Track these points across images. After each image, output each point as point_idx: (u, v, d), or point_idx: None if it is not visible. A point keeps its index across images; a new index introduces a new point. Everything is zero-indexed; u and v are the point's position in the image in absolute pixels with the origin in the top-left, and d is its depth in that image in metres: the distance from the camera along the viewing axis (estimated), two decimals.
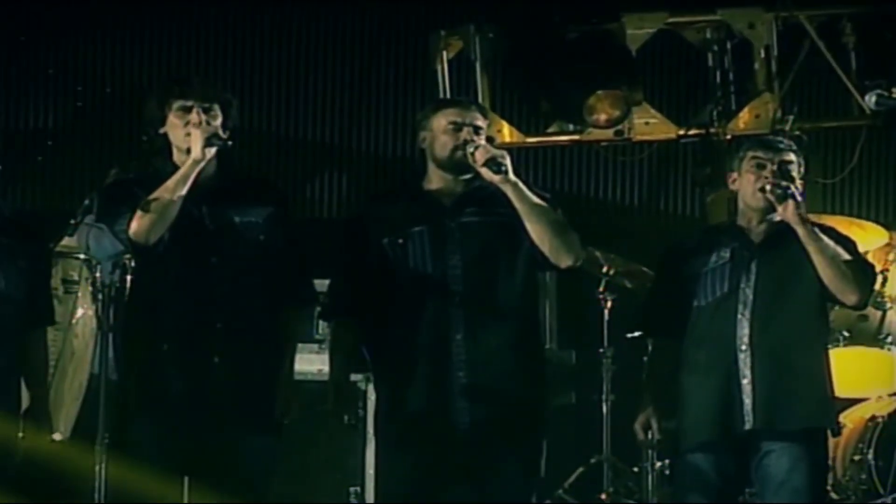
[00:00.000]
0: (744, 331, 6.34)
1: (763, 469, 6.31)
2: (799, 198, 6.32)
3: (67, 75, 9.28)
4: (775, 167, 6.36)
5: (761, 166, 6.37)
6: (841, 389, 8.01)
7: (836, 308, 7.90)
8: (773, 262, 6.42)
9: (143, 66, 9.16)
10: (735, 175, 6.45)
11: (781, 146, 6.50)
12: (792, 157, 6.43)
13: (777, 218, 6.36)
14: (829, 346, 7.86)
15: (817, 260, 6.33)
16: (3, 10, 9.14)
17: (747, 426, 6.29)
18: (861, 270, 6.49)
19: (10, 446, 6.29)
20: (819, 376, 6.50)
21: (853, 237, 8.27)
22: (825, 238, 6.41)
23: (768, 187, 6.32)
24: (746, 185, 6.40)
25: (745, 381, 6.32)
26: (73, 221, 6.94)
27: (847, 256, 6.46)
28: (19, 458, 6.34)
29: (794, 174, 6.39)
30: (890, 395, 8.14)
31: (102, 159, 7.03)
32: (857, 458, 7.92)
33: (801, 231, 6.31)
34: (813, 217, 8.19)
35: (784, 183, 6.32)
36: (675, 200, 9.40)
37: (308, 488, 7.59)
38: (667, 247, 6.95)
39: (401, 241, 6.38)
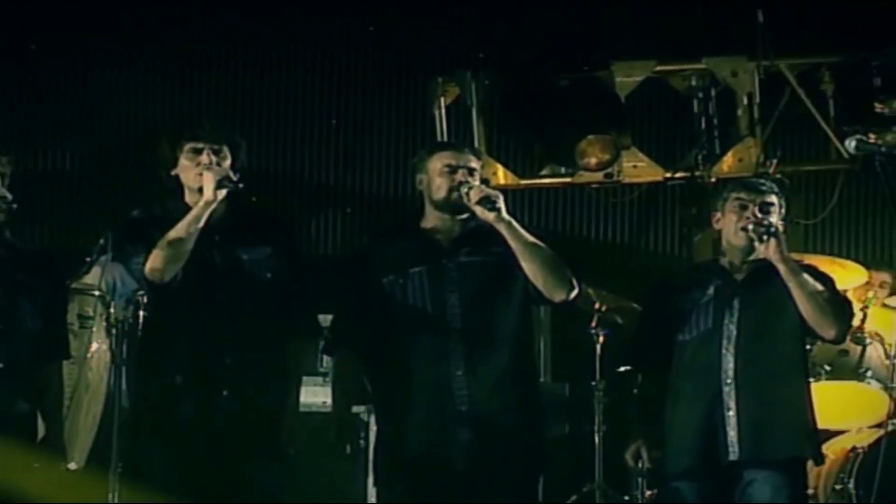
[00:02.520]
0: (728, 364, 6.34)
1: (746, 497, 6.31)
2: (780, 236, 6.34)
3: (82, 119, 9.28)
4: (757, 208, 6.38)
5: (744, 207, 6.39)
6: (823, 421, 7.98)
7: (818, 343, 7.86)
8: (756, 298, 6.42)
9: (155, 110, 9.14)
10: (719, 215, 6.47)
11: (763, 188, 6.51)
12: (773, 198, 6.45)
13: (759, 256, 6.37)
14: (812, 379, 7.84)
15: (797, 296, 6.34)
16: (23, 54, 9.19)
17: (732, 457, 6.29)
18: (839, 306, 6.51)
19: (24, 474, 6.24)
20: (801, 408, 6.51)
21: (833, 275, 8.32)
22: (805, 275, 6.42)
23: (750, 227, 6.33)
24: (729, 224, 6.42)
25: (730, 413, 6.32)
26: (88, 259, 7.00)
27: (826, 293, 6.47)
28: (37, 486, 6.30)
29: (775, 215, 6.40)
30: (870, 427, 8.15)
31: (116, 200, 7.04)
32: (838, 487, 7.93)
33: (782, 268, 6.33)
34: (794, 256, 8.26)
35: (766, 222, 6.34)
36: (663, 240, 9.39)
37: None
38: (653, 284, 6.98)
39: (401, 280, 6.36)
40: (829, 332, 6.47)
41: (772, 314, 6.41)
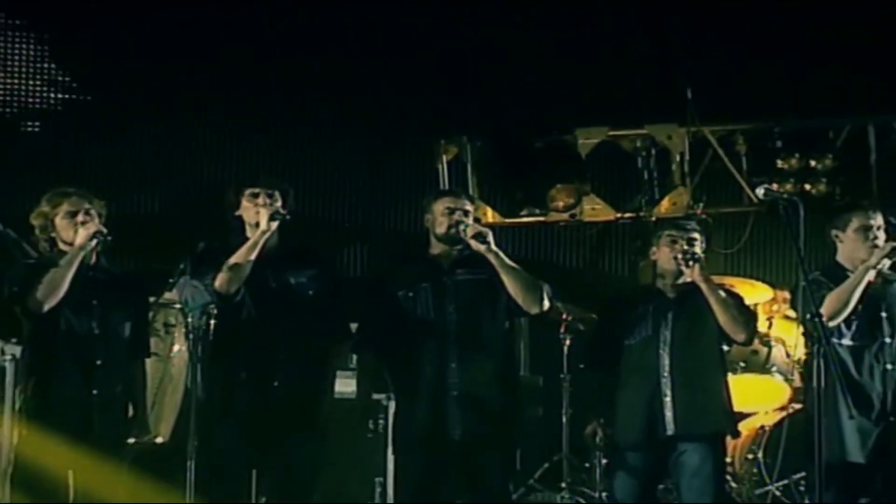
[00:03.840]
0: (664, 362, 6.31)
1: (680, 464, 6.28)
2: (701, 263, 6.34)
3: (163, 169, 9.17)
4: (684, 242, 6.36)
5: (674, 241, 6.37)
6: (738, 405, 7.92)
7: (734, 345, 8.06)
8: (684, 311, 6.38)
9: (221, 163, 9.08)
10: (655, 249, 6.45)
11: (688, 227, 6.50)
12: (696, 234, 6.42)
13: (686, 279, 6.37)
14: (730, 373, 7.82)
15: (716, 308, 6.32)
16: (115, 115, 9.10)
17: (669, 432, 6.26)
18: (747, 316, 6.50)
19: (121, 447, 6.29)
20: (721, 395, 6.48)
21: (745, 293, 8.31)
22: (721, 292, 6.42)
23: (679, 256, 6.32)
24: (664, 255, 6.39)
25: (667, 399, 6.28)
26: (171, 280, 6.91)
27: (736, 306, 6.46)
28: (130, 457, 6.34)
29: (698, 246, 6.38)
30: (775, 410, 8.07)
31: (190, 233, 7.02)
32: (750, 456, 7.84)
33: (703, 287, 6.32)
34: (715, 277, 8.23)
35: (690, 252, 6.32)
36: (615, 266, 9.22)
37: (344, 479, 7.53)
38: (607, 300, 6.97)
39: (411, 294, 6.36)
40: (740, 336, 6.45)
41: (697, 323, 6.37)
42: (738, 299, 6.58)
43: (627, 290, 7.04)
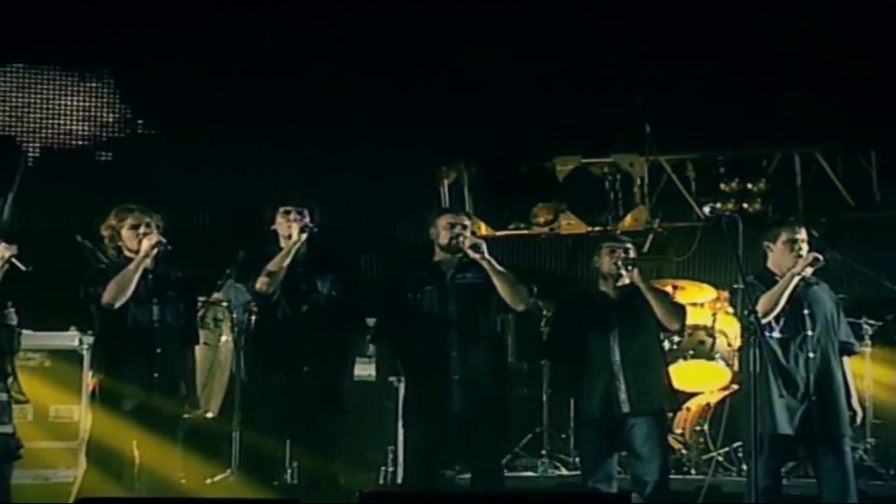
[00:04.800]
0: (616, 351, 6.32)
1: (632, 434, 6.30)
2: (639, 267, 6.38)
3: (211, 188, 9.13)
4: (622, 251, 6.40)
5: (613, 251, 6.41)
6: (688, 386, 8.06)
7: (687, 336, 7.96)
8: (627, 308, 6.38)
9: (260, 182, 9.03)
10: (597, 258, 6.47)
11: (624, 239, 6.56)
12: (629, 246, 6.45)
13: (625, 281, 6.39)
14: (681, 359, 8.02)
15: (653, 305, 6.35)
16: (170, 140, 9.08)
17: (624, 410, 6.28)
18: (678, 310, 6.53)
19: (178, 421, 6.25)
20: (662, 378, 6.52)
21: (693, 292, 8.36)
22: (655, 291, 6.47)
23: (619, 262, 6.36)
24: (605, 262, 6.42)
25: (620, 384, 6.29)
26: (219, 283, 6.99)
27: (668, 302, 6.53)
28: (185, 429, 6.32)
29: (633, 254, 6.43)
30: (718, 390, 8.03)
31: (233, 243, 7.00)
32: (698, 428, 7.84)
33: (642, 287, 6.37)
34: (669, 281, 8.32)
35: (629, 259, 6.37)
36: (586, 271, 9.20)
37: (362, 447, 7.49)
38: (561, 301, 6.91)
39: (419, 295, 6.36)
40: (675, 326, 6.50)
41: (639, 317, 6.37)
42: (669, 297, 6.61)
43: (574, 294, 6.93)
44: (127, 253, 6.20)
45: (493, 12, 9.02)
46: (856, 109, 8.79)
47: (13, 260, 5.81)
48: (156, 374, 6.12)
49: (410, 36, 9.12)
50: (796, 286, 6.21)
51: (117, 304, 6.07)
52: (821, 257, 6.23)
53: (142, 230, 6.18)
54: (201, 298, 7.01)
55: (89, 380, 6.36)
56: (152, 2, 8.97)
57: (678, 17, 8.98)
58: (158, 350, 6.15)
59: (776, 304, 6.14)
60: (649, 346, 6.46)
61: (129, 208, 6.26)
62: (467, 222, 6.50)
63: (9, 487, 5.87)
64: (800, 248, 6.27)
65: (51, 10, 8.75)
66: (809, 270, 6.25)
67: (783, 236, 6.31)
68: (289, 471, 7.05)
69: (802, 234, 6.32)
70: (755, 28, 8.96)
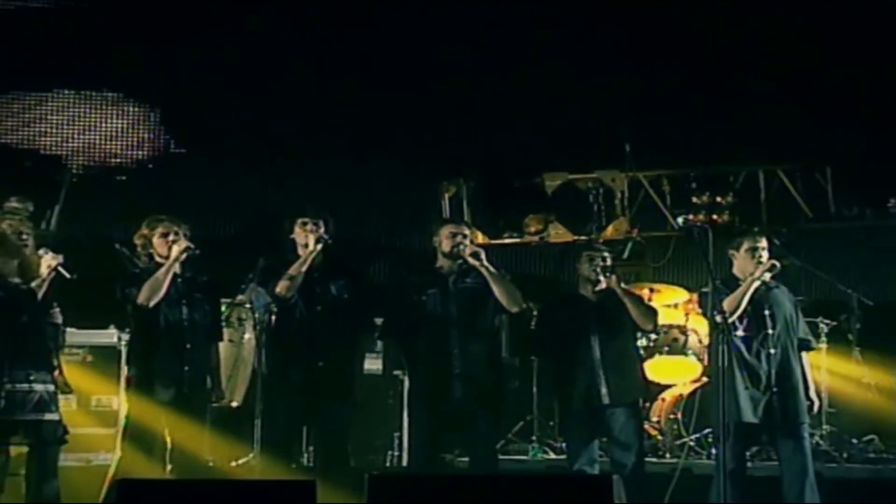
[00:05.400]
0: (596, 349, 6.34)
1: (611, 423, 6.33)
2: (616, 273, 6.41)
3: (234, 201, 9.06)
4: (600, 259, 6.42)
5: (591, 259, 6.43)
6: (663, 379, 8.01)
7: (662, 334, 7.93)
8: (605, 309, 6.39)
9: (278, 196, 8.89)
10: (577, 265, 6.49)
11: (603, 249, 6.55)
12: (607, 255, 6.46)
13: (603, 286, 6.42)
14: (657, 355, 7.98)
15: (629, 307, 6.38)
16: (199, 160, 9.06)
17: (605, 401, 6.30)
18: (650, 311, 6.56)
19: (205, 410, 6.28)
20: (637, 372, 6.55)
21: (668, 295, 8.32)
22: (630, 295, 6.51)
23: (598, 269, 6.38)
24: (584, 269, 6.43)
25: (600, 377, 6.30)
26: (242, 287, 6.88)
27: (642, 304, 6.57)
28: (212, 417, 6.36)
29: (610, 262, 6.43)
30: (690, 382, 8.01)
31: (254, 250, 6.96)
32: (672, 416, 7.82)
33: (618, 291, 6.39)
34: (646, 284, 8.29)
35: (607, 266, 6.39)
36: (573, 276, 9.38)
37: (370, 433, 7.49)
38: (545, 304, 6.84)
39: (423, 297, 6.34)
40: (648, 326, 6.53)
41: (615, 318, 6.38)
42: (641, 300, 6.64)
43: (557, 297, 6.85)
44: (158, 259, 6.21)
45: (493, 43, 9.02)
46: (813, 130, 8.79)
47: (59, 268, 5.83)
48: (185, 368, 6.12)
49: (415, 66, 9.10)
50: (757, 289, 6.23)
51: (150, 305, 6.08)
52: (777, 264, 6.25)
53: (171, 238, 6.18)
54: (226, 300, 6.98)
55: (125, 373, 6.37)
56: (179, 31, 8.97)
57: (658, 47, 8.98)
58: (188, 346, 6.15)
59: (739, 305, 6.16)
60: (625, 344, 6.49)
61: (160, 218, 6.27)
62: (467, 232, 6.49)
63: (57, 468, 5.88)
64: (760, 256, 6.28)
65: (95, 40, 8.79)
66: (768, 275, 6.26)
67: (745, 245, 6.32)
68: (305, 454, 7.04)
69: (763, 243, 6.33)
70: (725, 59, 8.94)
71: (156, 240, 6.23)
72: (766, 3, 8.87)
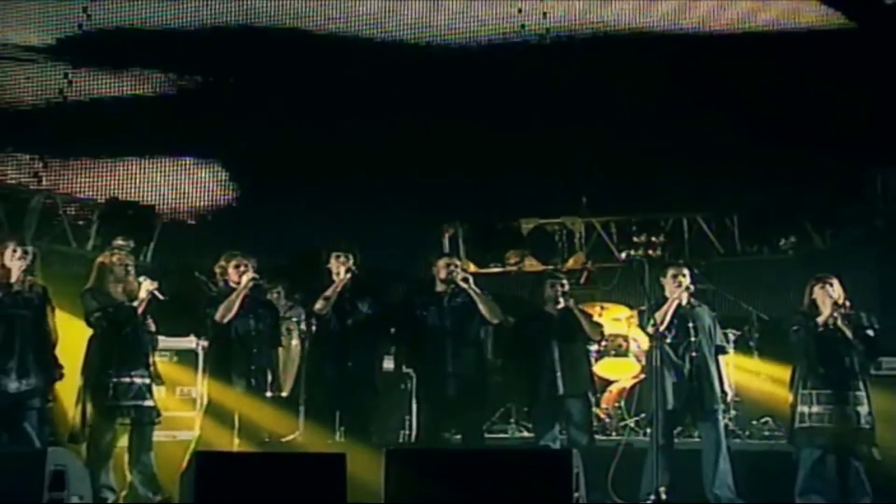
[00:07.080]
0: (556, 353, 6.34)
1: (566, 410, 6.31)
2: (571, 296, 6.41)
3: (272, 236, 8.57)
4: (559, 285, 6.41)
5: (553, 285, 6.43)
6: (611, 375, 7.86)
7: (609, 341, 7.78)
8: (564, 323, 6.40)
9: (316, 235, 8.38)
10: (542, 289, 6.45)
11: (562, 276, 6.53)
12: (565, 281, 6.45)
13: (562, 306, 6.38)
14: (607, 357, 7.83)
15: (582, 322, 6.41)
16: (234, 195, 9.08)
17: (560, 392, 6.28)
18: (596, 326, 6.57)
19: (260, 399, 6.17)
20: (587, 370, 6.56)
21: (614, 311, 8.21)
22: (583, 313, 6.52)
23: (558, 292, 6.36)
24: (548, 292, 6.41)
25: (558, 374, 6.29)
26: (291, 305, 6.94)
27: (591, 321, 6.56)
28: (268, 404, 6.20)
29: (568, 288, 6.41)
30: (632, 378, 7.80)
31: (299, 277, 6.90)
32: (616, 404, 7.71)
33: (574, 310, 6.41)
34: (598, 303, 8.17)
35: (566, 291, 6.41)
36: (540, 297, 9.20)
37: (387, 417, 7.36)
38: (519, 317, 6.73)
39: (424, 313, 6.32)
40: (595, 337, 6.56)
41: (571, 330, 6.38)
42: (591, 318, 6.63)
43: (527, 313, 6.69)
44: (231, 284, 6.19)
45: (484, 115, 8.94)
46: (724, 187, 8.74)
47: (154, 291, 5.90)
48: (252, 367, 6.10)
49: (428, 136, 8.98)
50: (683, 306, 6.26)
51: (226, 320, 6.08)
52: (692, 287, 6.26)
53: (242, 269, 6.17)
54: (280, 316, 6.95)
55: (201, 374, 6.47)
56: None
57: (607, 119, 8.90)
58: (254, 350, 6.13)
59: (664, 318, 6.19)
60: (579, 349, 6.50)
61: (234, 253, 6.26)
62: (458, 263, 6.52)
63: (152, 442, 5.94)
64: (680, 282, 6.30)
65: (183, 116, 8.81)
66: (685, 296, 6.28)
67: (670, 272, 6.32)
68: (337, 433, 6.90)
69: (684, 272, 6.33)
70: (658, 133, 8.88)
71: (231, 269, 6.20)
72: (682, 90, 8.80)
